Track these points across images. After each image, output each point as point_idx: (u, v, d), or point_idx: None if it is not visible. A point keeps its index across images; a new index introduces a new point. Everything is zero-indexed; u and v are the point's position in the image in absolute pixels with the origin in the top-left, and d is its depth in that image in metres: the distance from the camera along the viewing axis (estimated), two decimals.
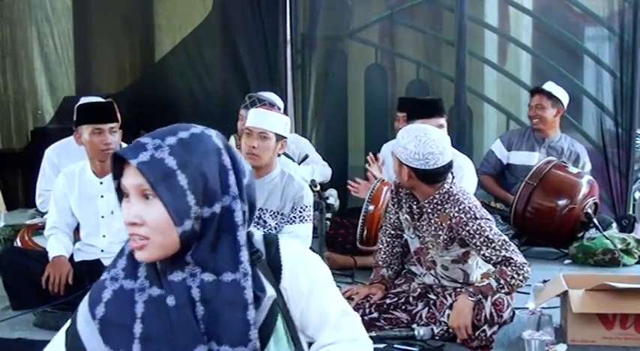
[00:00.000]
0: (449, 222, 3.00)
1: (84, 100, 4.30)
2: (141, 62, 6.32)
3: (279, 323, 1.38)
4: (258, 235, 1.45)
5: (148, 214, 1.31)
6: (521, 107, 5.61)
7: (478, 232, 2.94)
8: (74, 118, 3.74)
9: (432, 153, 2.94)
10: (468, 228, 2.95)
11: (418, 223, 3.13)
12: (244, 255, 1.34)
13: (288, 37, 5.77)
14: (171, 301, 1.33)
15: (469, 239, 2.96)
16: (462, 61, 5.45)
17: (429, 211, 3.07)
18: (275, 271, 1.40)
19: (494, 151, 5.16)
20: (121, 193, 1.37)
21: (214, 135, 1.38)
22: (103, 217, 3.54)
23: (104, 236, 3.55)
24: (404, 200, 3.22)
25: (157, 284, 1.36)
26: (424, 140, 2.95)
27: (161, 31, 6.25)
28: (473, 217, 2.95)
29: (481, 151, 5.67)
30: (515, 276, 2.89)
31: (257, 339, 1.33)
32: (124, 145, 4.54)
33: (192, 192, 1.31)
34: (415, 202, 3.14)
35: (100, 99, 4.45)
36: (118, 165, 1.35)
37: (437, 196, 3.03)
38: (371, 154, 4.47)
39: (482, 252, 2.94)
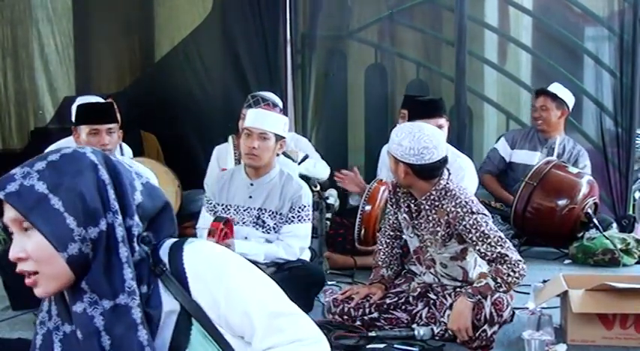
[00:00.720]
0: (446, 217, 3.01)
1: (81, 99, 4.30)
2: (141, 62, 6.32)
3: (195, 337, 1.32)
4: (166, 244, 1.37)
5: (30, 246, 1.26)
6: (521, 107, 5.61)
7: (474, 226, 2.95)
8: (72, 118, 3.74)
9: (427, 147, 2.97)
10: (464, 222, 2.96)
11: (416, 221, 3.14)
12: (127, 273, 1.28)
13: (288, 37, 5.77)
14: (79, 334, 1.28)
15: (465, 234, 2.97)
16: (462, 61, 5.44)
17: (427, 207, 3.08)
18: (181, 282, 1.32)
19: (499, 149, 5.18)
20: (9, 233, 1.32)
21: (89, 151, 1.32)
22: None
23: None
24: (402, 200, 3.23)
25: (67, 320, 1.32)
26: (418, 135, 2.98)
27: (161, 32, 6.24)
28: (469, 211, 2.97)
29: (481, 151, 5.67)
30: (511, 273, 2.90)
31: None
32: (125, 145, 4.56)
33: (70, 214, 1.25)
34: (413, 201, 3.16)
35: (98, 99, 4.45)
36: None
37: (434, 192, 3.05)
38: (340, 172, 4.41)
39: (477, 247, 2.96)
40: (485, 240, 2.93)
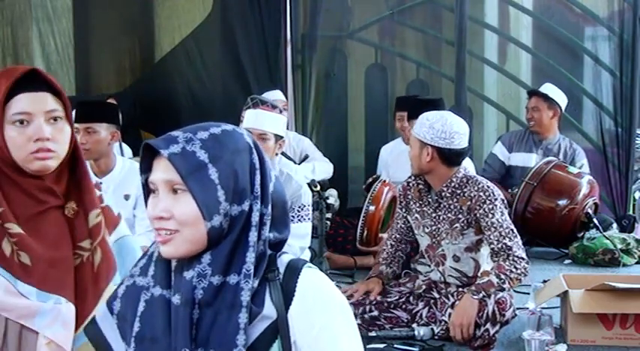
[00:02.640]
0: (469, 203, 3.07)
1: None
2: (141, 62, 6.32)
3: (275, 350, 1.32)
4: (285, 257, 1.39)
5: (177, 209, 1.29)
6: (521, 107, 5.61)
7: (492, 211, 3.01)
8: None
9: (458, 133, 3.05)
10: (485, 206, 3.03)
11: (435, 214, 3.15)
12: (250, 256, 1.30)
13: (289, 36, 5.77)
14: (176, 299, 1.29)
15: (483, 218, 3.02)
16: (462, 61, 5.45)
17: (448, 195, 3.11)
18: (286, 296, 1.34)
19: (496, 153, 5.14)
20: (147, 190, 1.34)
21: (245, 134, 1.36)
22: None
23: None
24: (412, 201, 3.25)
25: (161, 284, 1.33)
26: (450, 120, 3.06)
27: (161, 32, 6.25)
28: (491, 195, 3.04)
29: (481, 151, 5.68)
30: (514, 270, 2.94)
31: (244, 346, 1.28)
32: (125, 145, 4.56)
33: (222, 187, 1.28)
34: (429, 195, 3.18)
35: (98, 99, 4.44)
36: (147, 159, 1.33)
37: (454, 180, 3.10)
38: None
39: (488, 233, 3.01)
40: (497, 228, 2.99)
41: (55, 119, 1.63)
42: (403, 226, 3.36)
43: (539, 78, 5.53)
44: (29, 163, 1.61)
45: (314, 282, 1.36)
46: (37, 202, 1.62)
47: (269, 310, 1.32)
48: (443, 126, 3.04)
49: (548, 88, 4.99)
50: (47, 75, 1.63)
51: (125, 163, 3.66)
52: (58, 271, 1.60)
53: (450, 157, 3.07)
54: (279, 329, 1.32)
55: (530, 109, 5.01)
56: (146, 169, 1.33)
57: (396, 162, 4.71)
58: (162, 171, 1.29)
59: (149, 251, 1.39)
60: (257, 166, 1.33)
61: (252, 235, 1.31)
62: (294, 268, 1.36)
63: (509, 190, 4.82)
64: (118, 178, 3.59)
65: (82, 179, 1.70)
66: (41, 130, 1.61)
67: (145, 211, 1.34)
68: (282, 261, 1.38)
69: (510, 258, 2.96)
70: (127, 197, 3.56)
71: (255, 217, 1.31)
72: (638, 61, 5.17)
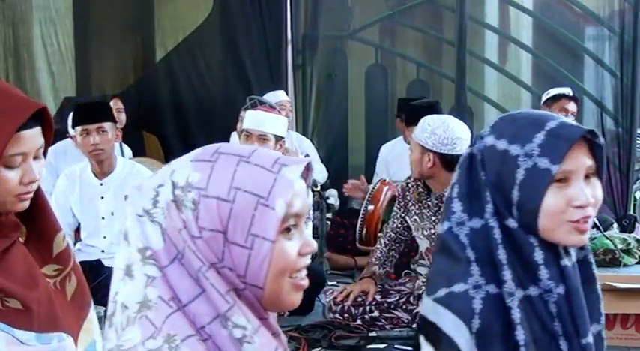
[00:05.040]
0: None
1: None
2: (142, 63, 6.32)
3: None
4: None
5: (598, 193, 1.33)
6: (521, 107, 5.61)
7: None
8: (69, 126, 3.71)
9: (460, 138, 3.02)
10: None
11: (435, 218, 3.15)
12: None
13: (289, 37, 5.78)
14: (560, 290, 1.31)
15: None
16: (462, 61, 5.45)
17: None
18: None
19: None
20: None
21: None
22: (103, 218, 3.55)
23: (105, 237, 3.55)
24: (411, 203, 3.24)
25: (521, 285, 1.30)
26: (452, 126, 3.03)
27: (162, 32, 6.25)
28: None
29: None
30: None
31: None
32: (125, 146, 4.57)
33: None
34: (429, 199, 3.16)
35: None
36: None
37: None
38: (349, 182, 4.37)
39: None
40: None
41: (39, 157, 1.47)
42: (400, 225, 3.35)
43: (540, 78, 5.53)
44: (11, 204, 1.43)
45: None
46: (5, 239, 1.43)
47: None
48: (445, 132, 3.01)
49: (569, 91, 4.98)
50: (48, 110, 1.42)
51: (126, 164, 3.67)
52: (47, 308, 1.44)
53: (452, 163, 3.04)
54: None
55: (571, 114, 4.94)
56: (558, 159, 1.30)
57: (397, 161, 4.71)
58: (587, 158, 1.32)
59: (460, 256, 1.31)
60: None
61: None
62: None
63: None
64: (119, 179, 3.59)
65: (35, 200, 1.49)
66: (33, 173, 1.43)
67: None
68: None
69: None
70: (127, 198, 3.56)
71: None
72: (638, 61, 5.16)
